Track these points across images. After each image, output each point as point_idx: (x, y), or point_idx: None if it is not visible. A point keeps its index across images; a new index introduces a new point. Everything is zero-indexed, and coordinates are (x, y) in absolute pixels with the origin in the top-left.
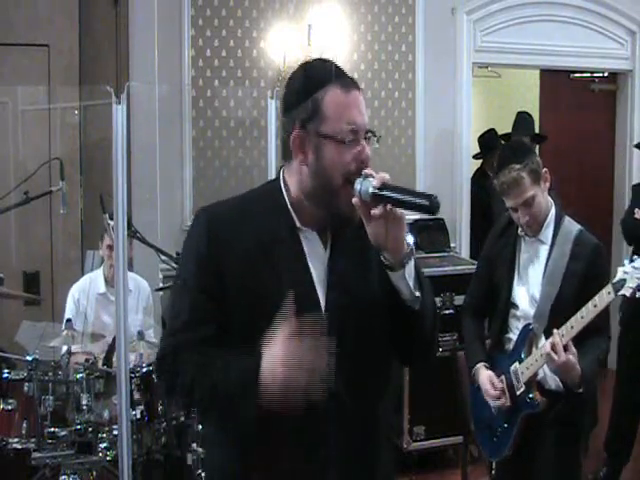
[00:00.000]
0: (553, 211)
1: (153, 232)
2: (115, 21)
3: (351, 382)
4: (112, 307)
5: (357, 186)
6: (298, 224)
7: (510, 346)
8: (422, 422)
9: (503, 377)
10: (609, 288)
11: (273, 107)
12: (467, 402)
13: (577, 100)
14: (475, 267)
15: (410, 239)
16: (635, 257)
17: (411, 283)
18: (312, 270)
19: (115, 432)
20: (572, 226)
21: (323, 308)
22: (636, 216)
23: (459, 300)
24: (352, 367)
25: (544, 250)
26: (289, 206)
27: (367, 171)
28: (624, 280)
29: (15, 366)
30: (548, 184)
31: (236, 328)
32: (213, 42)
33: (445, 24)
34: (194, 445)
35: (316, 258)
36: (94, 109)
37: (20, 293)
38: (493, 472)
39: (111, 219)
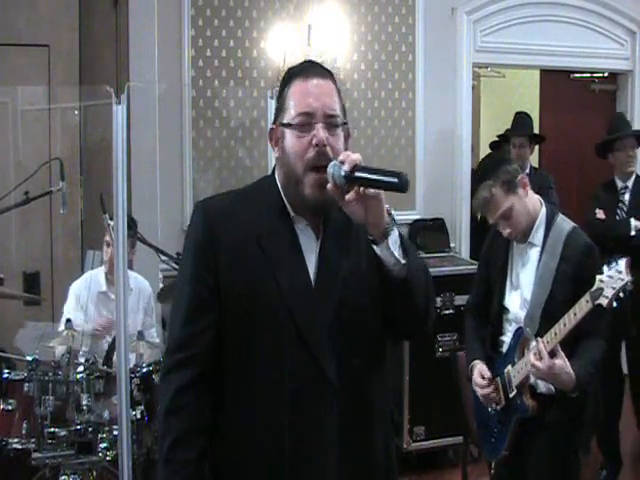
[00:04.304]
0: (543, 211)
1: (153, 232)
2: (115, 21)
3: (343, 364)
4: (113, 305)
5: (330, 170)
6: (292, 213)
7: (504, 349)
8: (422, 422)
9: (498, 379)
10: (587, 297)
11: (273, 107)
12: (467, 402)
13: (577, 100)
14: (475, 267)
15: (386, 207)
16: (613, 263)
17: (396, 252)
18: (305, 257)
19: (115, 432)
20: (564, 225)
21: (315, 295)
22: (598, 216)
23: (459, 300)
24: (344, 350)
25: (535, 252)
26: (282, 196)
27: (341, 157)
28: (601, 289)
29: (15, 366)
30: (527, 188)
31: (232, 316)
32: (213, 42)
33: (445, 24)
34: None
35: (309, 246)
36: (94, 109)
37: (20, 293)
38: (492, 471)
39: (111, 219)
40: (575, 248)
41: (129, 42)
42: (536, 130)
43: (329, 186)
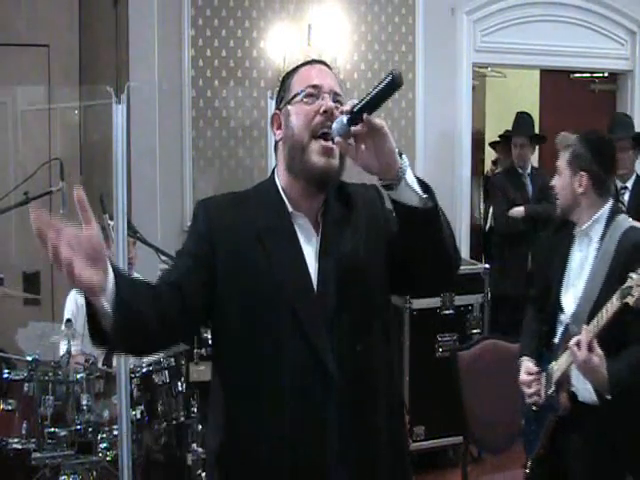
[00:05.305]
0: (607, 207)
1: (153, 232)
2: (115, 21)
3: (345, 354)
4: None
5: (334, 126)
6: (291, 209)
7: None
8: (422, 422)
9: (544, 374)
10: (617, 294)
11: (273, 107)
12: (467, 402)
13: (577, 100)
14: (475, 267)
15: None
16: None
17: (416, 188)
18: (304, 252)
19: (115, 432)
20: (624, 223)
21: (315, 289)
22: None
23: (459, 300)
24: (347, 340)
25: (593, 248)
26: (282, 193)
27: (342, 108)
28: (630, 287)
29: (15, 366)
30: (584, 187)
31: (231, 310)
32: (213, 42)
33: (445, 24)
34: (194, 445)
35: (308, 241)
36: (94, 109)
37: (20, 293)
38: (527, 470)
39: (111, 219)
40: (626, 245)
41: (129, 42)
42: (536, 130)
43: (337, 139)
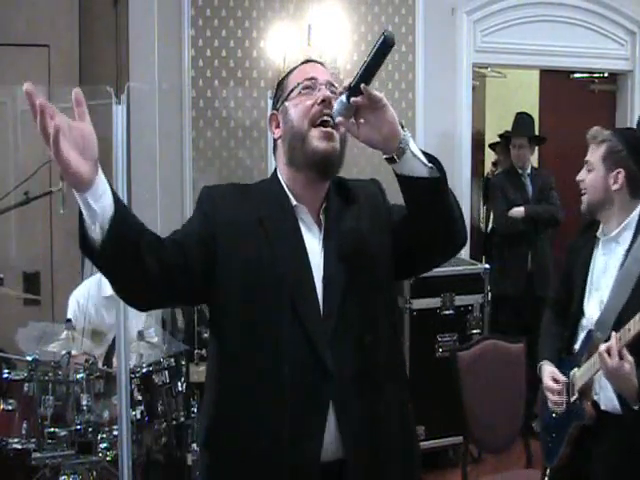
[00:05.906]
0: (637, 212)
1: None
2: (115, 21)
3: (353, 353)
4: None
5: (335, 107)
6: (294, 202)
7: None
8: (422, 422)
9: (564, 380)
10: None
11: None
12: (467, 402)
13: (577, 100)
14: (475, 267)
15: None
16: None
17: (421, 157)
18: (307, 244)
19: (115, 432)
20: None
21: (320, 286)
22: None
23: (459, 300)
24: (355, 339)
25: (620, 254)
26: (284, 187)
27: (339, 89)
28: None
29: (15, 366)
30: (618, 184)
31: (230, 306)
32: (213, 42)
33: (445, 24)
34: (194, 445)
35: (311, 233)
36: (94, 109)
37: (20, 293)
38: (547, 478)
39: None
40: None
41: (129, 42)
42: (536, 130)
43: (338, 119)
